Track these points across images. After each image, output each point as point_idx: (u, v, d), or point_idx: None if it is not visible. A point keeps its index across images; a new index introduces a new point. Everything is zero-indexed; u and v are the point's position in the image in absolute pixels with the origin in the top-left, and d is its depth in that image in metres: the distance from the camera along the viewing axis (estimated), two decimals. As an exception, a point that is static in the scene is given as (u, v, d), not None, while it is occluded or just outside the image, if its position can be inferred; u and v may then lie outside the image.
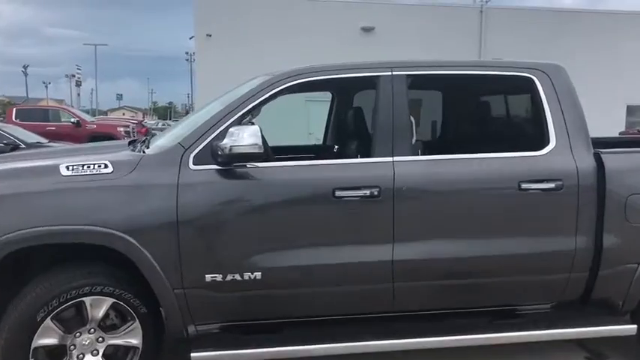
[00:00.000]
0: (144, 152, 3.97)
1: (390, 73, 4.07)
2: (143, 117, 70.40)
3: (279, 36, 21.74)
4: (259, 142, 3.62)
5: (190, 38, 25.87)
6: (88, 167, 3.73)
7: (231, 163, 3.72)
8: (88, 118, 23.95)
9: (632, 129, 22.56)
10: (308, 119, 17.08)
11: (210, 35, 22.26)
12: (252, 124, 3.81)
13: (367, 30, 23.42)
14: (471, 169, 4.00)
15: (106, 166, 3.74)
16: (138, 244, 3.59)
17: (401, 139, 3.97)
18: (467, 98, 5.19)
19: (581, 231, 4.05)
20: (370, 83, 4.14)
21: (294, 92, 4.27)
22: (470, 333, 4.02)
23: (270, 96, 3.94)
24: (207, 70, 21.55)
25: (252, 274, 3.75)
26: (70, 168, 3.73)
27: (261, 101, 3.93)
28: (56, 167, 3.75)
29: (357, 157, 4.23)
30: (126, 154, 3.99)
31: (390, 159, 3.92)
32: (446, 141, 5.28)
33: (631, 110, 25.55)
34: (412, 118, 4.05)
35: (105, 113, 79.28)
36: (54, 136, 18.22)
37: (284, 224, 3.81)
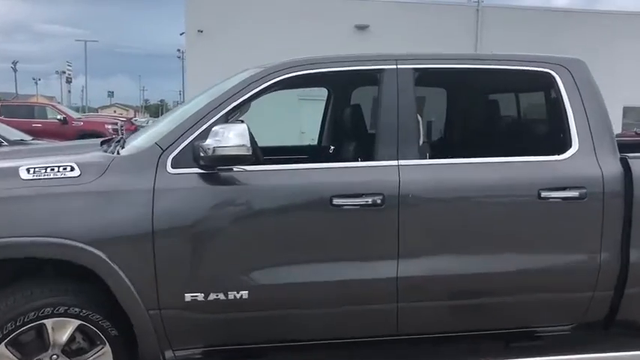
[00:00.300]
0: (118, 153, 3.52)
1: (394, 67, 3.63)
2: (135, 114, 69.68)
3: (272, 33, 21.28)
4: (247, 142, 3.17)
5: (181, 34, 25.42)
6: (52, 170, 3.28)
7: (214, 167, 3.27)
8: (74, 115, 23.41)
9: (629, 131, 22.23)
10: (300, 118, 16.67)
11: (201, 31, 21.79)
12: (241, 121, 3.38)
13: (361, 28, 23.01)
14: (485, 175, 3.57)
15: (72, 169, 3.28)
16: (106, 258, 3.14)
17: (407, 141, 3.53)
18: (479, 95, 4.75)
19: (606, 244, 3.62)
20: (372, 77, 3.71)
21: (288, 87, 3.84)
22: (484, 358, 3.59)
23: (260, 90, 3.50)
24: (198, 67, 21.06)
25: (238, 293, 3.30)
26: (31, 171, 3.27)
27: (251, 96, 3.48)
28: (15, 170, 3.29)
29: (357, 160, 3.78)
30: (96, 156, 3.53)
31: (394, 162, 3.49)
32: (456, 143, 4.82)
33: (627, 112, 25.28)
34: (419, 117, 3.62)
35: (96, 110, 78.58)
36: (40, 134, 17.71)
37: (274, 236, 3.37)
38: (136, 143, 3.65)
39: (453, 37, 22.42)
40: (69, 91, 63.97)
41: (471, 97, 4.81)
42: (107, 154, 3.54)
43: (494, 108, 4.67)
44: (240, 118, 3.64)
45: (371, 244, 3.45)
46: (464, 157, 3.65)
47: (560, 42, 22.34)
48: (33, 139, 14.57)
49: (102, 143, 4.00)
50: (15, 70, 72.31)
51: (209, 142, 3.17)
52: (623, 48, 23.94)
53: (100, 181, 3.22)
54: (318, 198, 3.38)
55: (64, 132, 19.74)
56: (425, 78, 3.72)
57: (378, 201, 3.39)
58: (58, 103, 35.38)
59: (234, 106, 3.44)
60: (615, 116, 23.94)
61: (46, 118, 21.53)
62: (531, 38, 22.37)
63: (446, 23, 23.21)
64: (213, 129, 3.21)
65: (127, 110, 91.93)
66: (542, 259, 3.60)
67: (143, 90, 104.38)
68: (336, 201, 3.36)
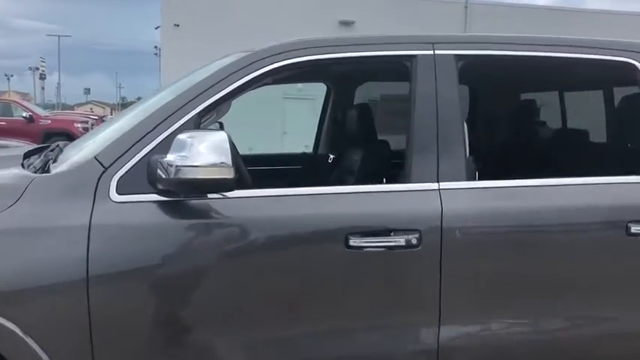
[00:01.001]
0: (46, 170, 2.48)
1: (430, 52, 2.64)
2: (111, 112, 67.92)
3: (253, 28, 20.21)
4: (227, 159, 2.15)
5: (156, 28, 24.25)
6: (-61, 197, 2.23)
7: (180, 193, 2.25)
8: (42, 112, 22.05)
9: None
10: (283, 118, 15.72)
11: (178, 25, 20.74)
12: (219, 126, 2.37)
13: (347, 24, 22.14)
14: (557, 204, 2.58)
15: (-31, 196, 2.24)
16: (15, 329, 2.11)
17: (450, 155, 2.54)
18: (541, 93, 3.74)
19: None
20: (398, 67, 2.72)
21: (282, 80, 2.88)
22: None
23: (246, 83, 2.48)
24: (174, 64, 19.89)
25: None
26: None
27: (232, 91, 2.46)
28: None
29: (382, 181, 2.76)
30: (10, 175, 2.47)
31: (434, 185, 2.49)
32: (511, 157, 3.77)
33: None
34: (465, 124, 2.63)
35: (72, 108, 76.76)
36: (3, 133, 16.50)
37: (267, 294, 2.36)
38: (74, 156, 2.59)
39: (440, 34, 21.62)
40: (42, 88, 62.40)
41: (528, 95, 3.77)
42: (26, 172, 2.49)
43: (562, 111, 3.65)
44: (219, 121, 2.66)
45: (402, 302, 2.46)
46: (522, 176, 2.66)
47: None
48: (-8, 139, 13.40)
49: (26, 155, 2.93)
50: (-15, 65, 70.17)
51: (172, 157, 2.15)
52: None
53: (10, 214, 2.19)
54: (329, 237, 2.38)
55: (30, 130, 18.44)
56: (471, 68, 2.73)
57: (414, 241, 2.39)
58: (25, 99, 33.52)
59: (209, 105, 2.42)
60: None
61: (12, 116, 20.18)
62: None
63: (433, 19, 22.41)
64: (177, 138, 2.19)
65: (104, 108, 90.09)
66: (635, 318, 2.63)
67: (120, 87, 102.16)
68: (353, 241, 2.36)
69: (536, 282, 2.54)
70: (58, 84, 76.68)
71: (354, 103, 4.10)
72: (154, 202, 2.26)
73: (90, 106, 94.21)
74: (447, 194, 2.47)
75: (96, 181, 2.26)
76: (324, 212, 2.41)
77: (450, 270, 2.43)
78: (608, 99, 3.53)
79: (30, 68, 71.67)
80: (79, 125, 20.19)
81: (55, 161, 2.62)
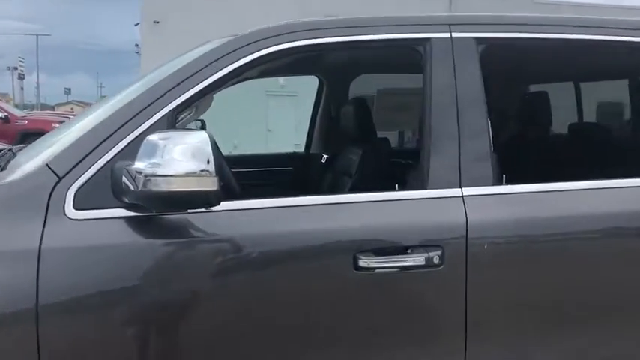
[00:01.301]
0: None
1: (447, 35, 2.24)
2: (92, 112, 66.93)
3: (236, 24, 19.77)
4: (210, 165, 1.74)
5: (136, 25, 23.73)
6: None
7: (151, 209, 1.84)
8: (18, 113, 21.44)
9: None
10: (267, 115, 15.36)
11: (157, 22, 20.30)
12: (201, 125, 1.97)
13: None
14: (598, 209, 2.21)
15: None
16: None
17: (473, 157, 2.15)
18: (576, 82, 3.35)
19: None
20: (409, 53, 2.32)
21: (269, 71, 2.45)
22: None
23: (230, 73, 2.06)
24: (154, 61, 19.41)
25: None
26: None
27: (214, 83, 2.05)
28: None
29: (394, 188, 2.35)
30: None
31: (456, 192, 2.10)
32: (543, 156, 3.35)
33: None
34: (489, 119, 2.23)
35: (52, 108, 75.91)
36: (-21, 134, 15.94)
37: (261, 326, 1.95)
38: (25, 163, 2.16)
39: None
40: (22, 88, 61.52)
41: (566, 87, 3.38)
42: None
43: (599, 105, 3.26)
44: (198, 119, 2.26)
45: (421, 332, 2.07)
46: (557, 179, 2.28)
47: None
48: (-36, 141, 12.88)
49: None
50: (-40, 65, 69.08)
51: (140, 165, 1.74)
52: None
53: None
54: (335, 256, 1.99)
55: (6, 131, 17.84)
56: (495, 53, 2.34)
57: (435, 259, 2.00)
58: (4, 100, 32.70)
59: (187, 100, 2.00)
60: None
61: (-14, 117, 19.60)
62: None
63: (419, 12, 22.19)
64: (147, 140, 1.77)
65: (85, 107, 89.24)
66: None
67: (101, 87, 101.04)
68: (363, 260, 1.96)
69: (577, 301, 2.17)
70: (37, 84, 75.61)
71: (350, 97, 3.70)
72: (120, 218, 1.85)
73: (71, 105, 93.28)
74: (472, 202, 2.08)
75: (48, 193, 1.84)
76: (328, 227, 2.01)
77: (477, 291, 2.04)
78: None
79: (8, 68, 70.53)
80: (56, 125, 19.65)
81: (4, 169, 2.20)
